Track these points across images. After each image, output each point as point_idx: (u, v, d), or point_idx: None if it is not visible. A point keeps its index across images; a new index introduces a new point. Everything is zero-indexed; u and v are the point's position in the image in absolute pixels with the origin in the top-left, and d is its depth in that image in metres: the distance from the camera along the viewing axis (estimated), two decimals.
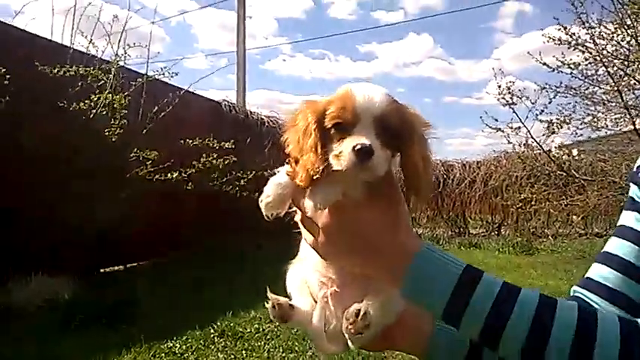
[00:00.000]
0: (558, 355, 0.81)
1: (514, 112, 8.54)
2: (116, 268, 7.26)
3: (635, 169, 1.15)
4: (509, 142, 9.09)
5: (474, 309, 0.84)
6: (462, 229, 13.69)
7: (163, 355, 3.78)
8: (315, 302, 1.02)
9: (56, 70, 5.73)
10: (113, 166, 6.23)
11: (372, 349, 1.08)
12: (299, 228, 1.00)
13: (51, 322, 4.49)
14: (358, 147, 0.84)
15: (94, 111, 6.00)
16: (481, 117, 9.02)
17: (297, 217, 0.99)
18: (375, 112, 0.88)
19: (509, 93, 8.57)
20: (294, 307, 1.01)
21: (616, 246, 1.12)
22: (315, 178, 0.87)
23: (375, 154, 0.85)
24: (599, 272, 1.11)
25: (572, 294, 1.12)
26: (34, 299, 5.02)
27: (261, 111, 12.16)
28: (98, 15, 6.76)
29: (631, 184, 1.16)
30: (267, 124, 11.34)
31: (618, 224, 1.15)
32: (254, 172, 7.90)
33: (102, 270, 6.94)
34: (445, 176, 13.57)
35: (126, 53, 6.77)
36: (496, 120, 8.89)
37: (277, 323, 1.01)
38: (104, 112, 6.12)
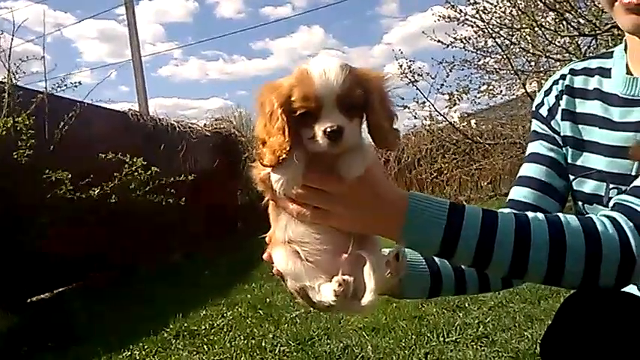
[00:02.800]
0: (540, 253, 1.00)
1: (417, 88, 9.04)
2: (42, 295, 6.85)
3: (534, 108, 1.45)
4: (416, 118, 9.63)
5: (466, 235, 0.99)
6: None
7: None
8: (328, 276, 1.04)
9: None
10: (27, 189, 5.88)
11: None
12: (283, 205, 1.05)
13: None
14: (329, 130, 0.93)
15: None
16: None
17: (285, 195, 1.01)
18: (336, 91, 0.94)
19: (410, 71, 9.07)
20: (347, 281, 1.02)
21: (528, 169, 1.41)
22: (281, 159, 0.95)
23: (345, 131, 0.94)
24: (519, 193, 1.39)
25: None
26: None
27: (170, 117, 11.92)
28: None
29: (533, 121, 1.48)
30: (177, 128, 11.12)
31: (527, 153, 1.46)
32: (174, 177, 7.80)
33: (29, 300, 6.53)
34: None
35: (18, 70, 6.43)
36: (402, 98, 9.38)
37: (331, 302, 1.01)
38: (3, 132, 5.75)
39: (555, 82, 1.41)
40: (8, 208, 5.51)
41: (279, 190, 0.98)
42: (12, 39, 6.56)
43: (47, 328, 4.64)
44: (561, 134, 1.36)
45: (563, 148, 1.36)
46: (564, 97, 1.36)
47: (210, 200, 10.52)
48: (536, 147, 1.42)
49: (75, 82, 6.90)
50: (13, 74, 6.37)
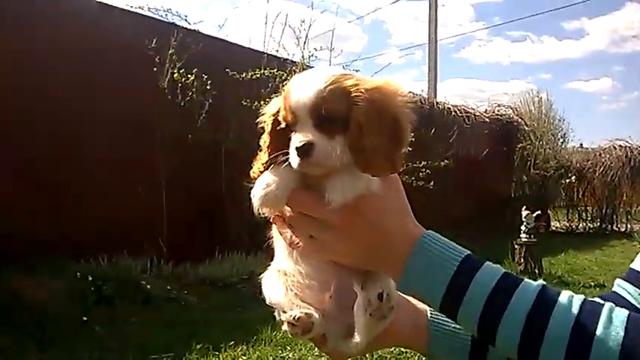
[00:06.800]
0: (554, 351, 0.76)
1: None
2: None
3: None
4: None
5: (470, 300, 0.80)
6: None
7: None
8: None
9: (243, 75, 6.54)
10: None
11: (381, 342, 0.98)
12: (280, 230, 0.93)
13: (244, 294, 5.18)
14: (298, 145, 0.82)
15: None
16: None
17: (281, 218, 0.91)
18: (308, 103, 0.83)
19: None
20: (310, 315, 0.90)
21: None
22: (260, 171, 0.88)
23: (315, 148, 0.82)
24: (621, 286, 1.02)
25: (614, 287, 1.02)
26: (233, 273, 5.83)
27: (448, 100, 12.00)
28: (285, 21, 7.50)
29: None
30: (453, 113, 11.12)
31: None
32: (429, 161, 7.99)
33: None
34: None
35: (313, 55, 7.44)
36: None
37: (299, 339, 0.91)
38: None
39: None
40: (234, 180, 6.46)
41: (256, 205, 0.88)
42: (310, 25, 7.55)
43: None
44: None
45: None
46: None
47: (471, 188, 10.38)
48: None
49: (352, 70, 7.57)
50: (306, 58, 7.42)
